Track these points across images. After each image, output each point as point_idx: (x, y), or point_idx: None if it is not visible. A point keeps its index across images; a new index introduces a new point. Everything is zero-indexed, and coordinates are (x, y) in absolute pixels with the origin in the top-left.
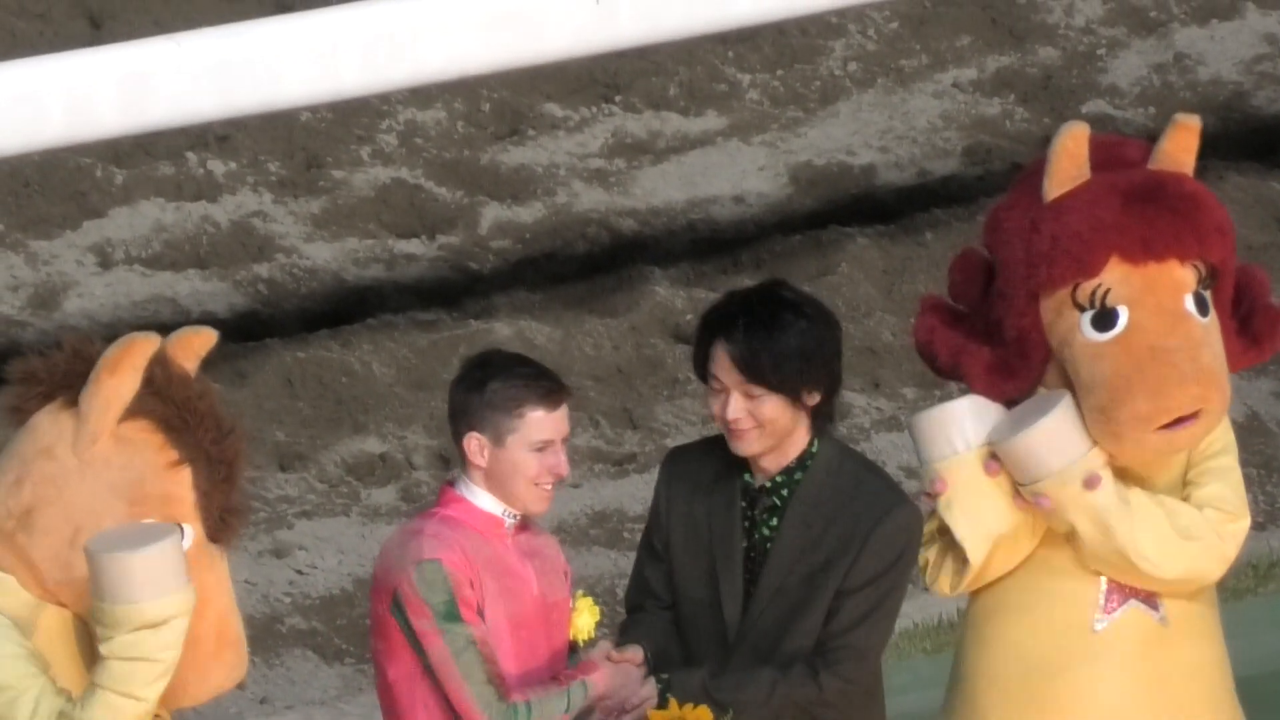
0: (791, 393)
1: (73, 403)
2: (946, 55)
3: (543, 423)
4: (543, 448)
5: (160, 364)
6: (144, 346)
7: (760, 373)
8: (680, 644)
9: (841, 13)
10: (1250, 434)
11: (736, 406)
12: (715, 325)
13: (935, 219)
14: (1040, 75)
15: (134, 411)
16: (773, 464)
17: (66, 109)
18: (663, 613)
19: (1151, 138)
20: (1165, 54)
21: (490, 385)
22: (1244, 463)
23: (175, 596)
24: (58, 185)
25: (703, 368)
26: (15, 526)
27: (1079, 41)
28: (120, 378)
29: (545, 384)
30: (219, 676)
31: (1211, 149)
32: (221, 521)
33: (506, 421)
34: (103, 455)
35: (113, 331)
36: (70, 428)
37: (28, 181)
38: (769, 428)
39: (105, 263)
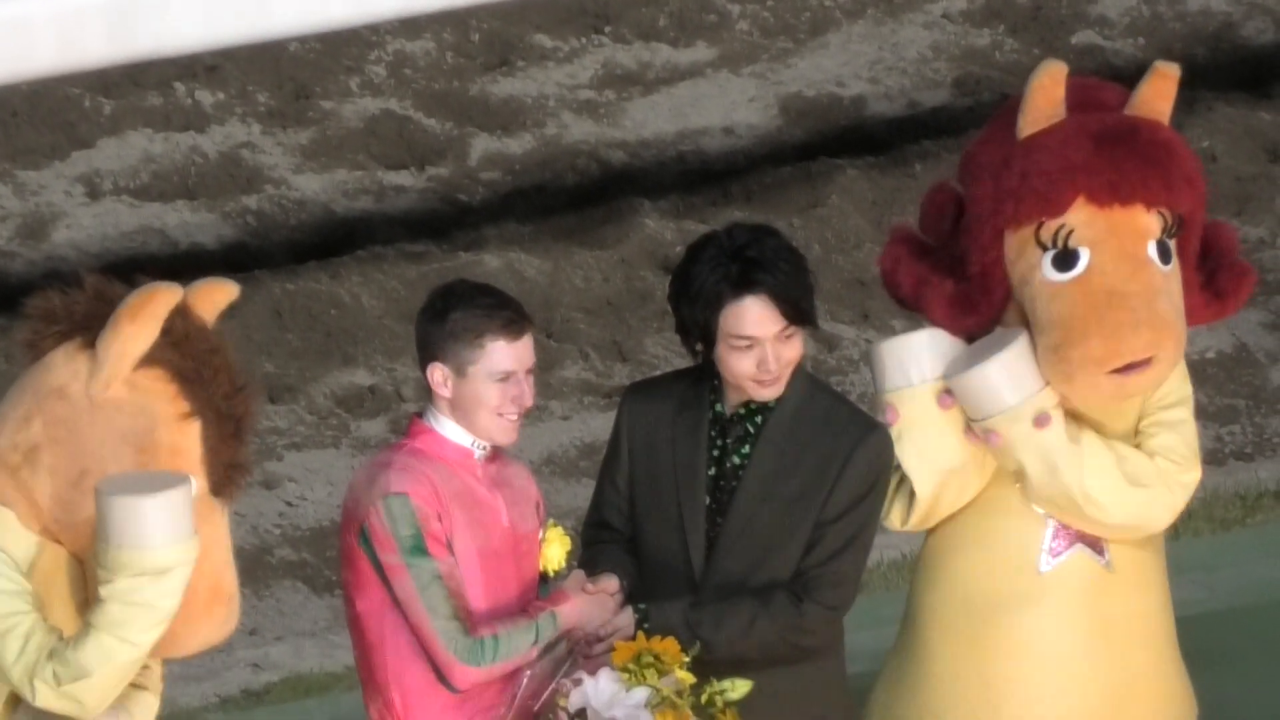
0: (814, 322)
1: (90, 344)
2: None
3: (504, 353)
4: (505, 378)
5: (180, 315)
6: (166, 296)
7: (800, 311)
8: (640, 576)
9: None
10: (1239, 365)
11: (776, 354)
12: (734, 285)
13: (925, 150)
14: (1030, 6)
15: (150, 360)
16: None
17: (55, 38)
18: (622, 544)
19: (1140, 68)
20: None
21: (452, 315)
22: (1232, 394)
23: (182, 545)
24: (46, 115)
25: (707, 335)
26: (21, 461)
27: None
28: (140, 325)
29: (506, 314)
30: (207, 630)
31: (1200, 80)
32: (226, 477)
33: (467, 352)
34: (115, 401)
35: (101, 262)
36: (85, 369)
37: (15, 111)
38: (794, 364)
39: (93, 193)
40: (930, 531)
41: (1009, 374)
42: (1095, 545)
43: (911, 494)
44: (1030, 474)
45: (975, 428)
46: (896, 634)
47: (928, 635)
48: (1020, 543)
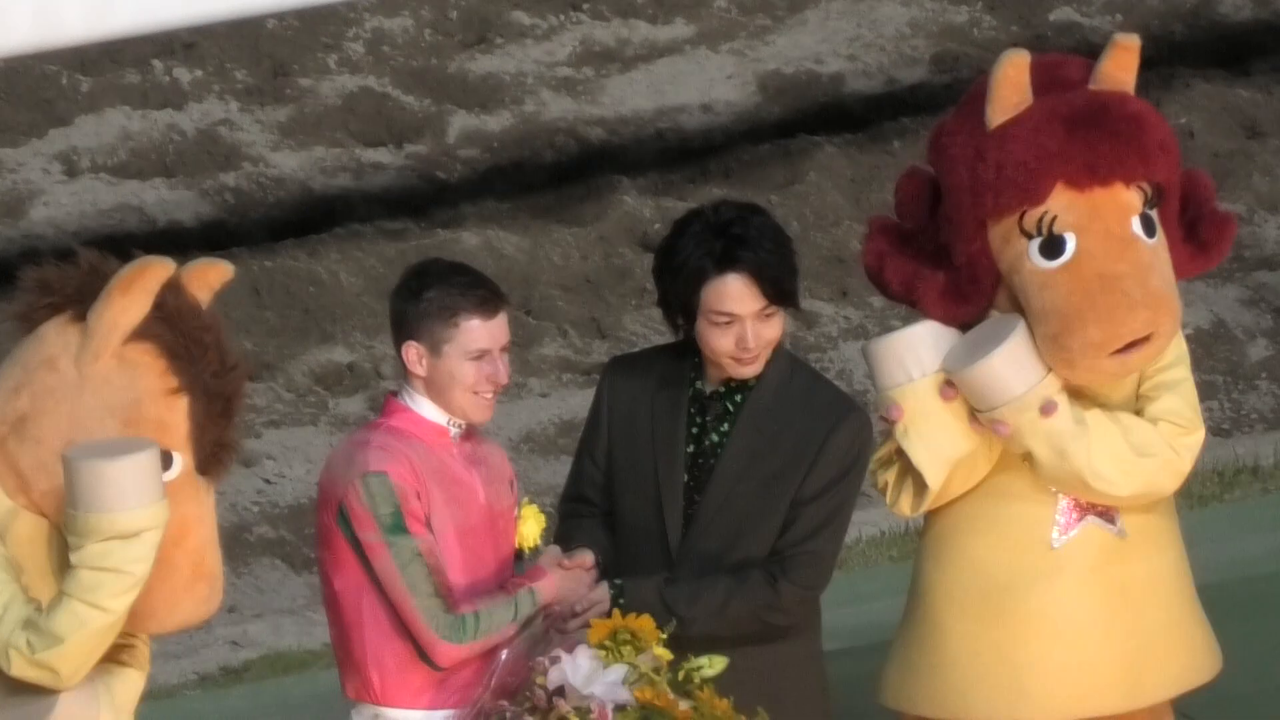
0: (796, 302)
1: (81, 317)
2: None
3: (479, 331)
4: (480, 356)
5: (173, 290)
6: (158, 270)
7: (782, 290)
8: (617, 552)
9: None
10: (1217, 341)
11: (756, 333)
12: (717, 261)
13: (903, 127)
14: None
15: (140, 334)
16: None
17: (33, 15)
18: (599, 519)
19: None
20: None
21: (426, 294)
22: (1210, 370)
23: (148, 509)
24: (23, 93)
25: (689, 310)
26: (8, 432)
27: None
28: (131, 298)
29: (481, 292)
30: (189, 608)
31: (1178, 56)
32: (212, 455)
33: (442, 330)
34: (103, 373)
35: (79, 240)
36: (76, 341)
37: None
38: (773, 343)
39: (71, 171)
40: (936, 512)
41: (1012, 365)
42: (1107, 515)
43: (920, 483)
44: (1040, 458)
45: (981, 418)
46: (903, 616)
47: (941, 617)
48: (1032, 522)
